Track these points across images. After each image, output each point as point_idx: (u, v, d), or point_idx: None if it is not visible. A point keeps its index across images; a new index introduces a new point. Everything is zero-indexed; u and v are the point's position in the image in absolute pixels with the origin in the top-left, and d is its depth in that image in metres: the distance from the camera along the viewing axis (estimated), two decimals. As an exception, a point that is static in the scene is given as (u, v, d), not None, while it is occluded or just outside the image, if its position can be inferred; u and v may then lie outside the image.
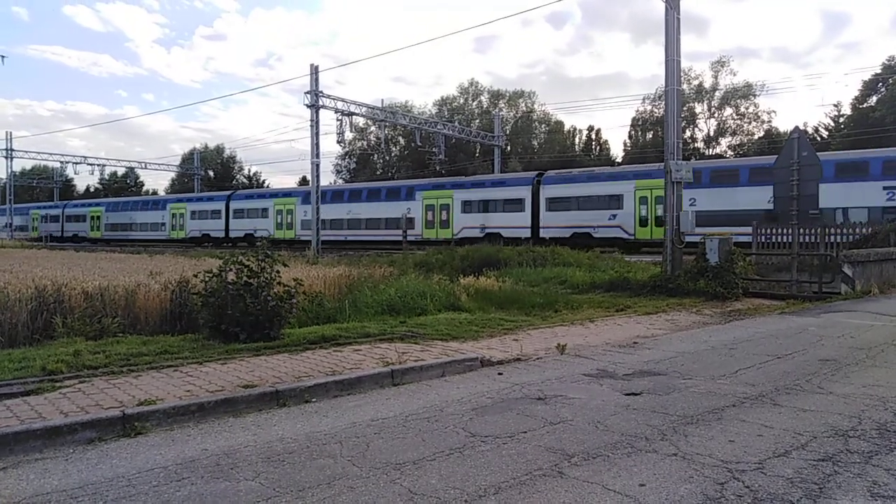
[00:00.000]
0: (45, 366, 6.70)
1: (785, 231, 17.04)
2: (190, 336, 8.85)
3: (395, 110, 51.85)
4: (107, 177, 73.57)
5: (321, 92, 35.15)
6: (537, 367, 7.77)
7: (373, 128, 69.12)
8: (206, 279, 8.74)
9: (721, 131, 63.22)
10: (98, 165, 64.37)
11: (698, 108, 63.22)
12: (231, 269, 8.81)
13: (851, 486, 3.99)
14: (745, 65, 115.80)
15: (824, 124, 59.61)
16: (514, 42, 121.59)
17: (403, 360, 7.54)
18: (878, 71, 53.89)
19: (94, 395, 5.85)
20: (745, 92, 60.83)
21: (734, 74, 63.24)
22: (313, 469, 4.38)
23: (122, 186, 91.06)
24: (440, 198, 37.85)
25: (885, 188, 25.21)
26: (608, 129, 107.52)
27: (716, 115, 63.28)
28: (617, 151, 70.93)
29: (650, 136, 63.99)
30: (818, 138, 54.83)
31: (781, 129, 58.16)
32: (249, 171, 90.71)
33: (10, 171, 64.58)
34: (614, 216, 31.06)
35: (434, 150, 48.02)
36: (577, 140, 74.83)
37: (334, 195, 43.52)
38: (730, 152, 60.56)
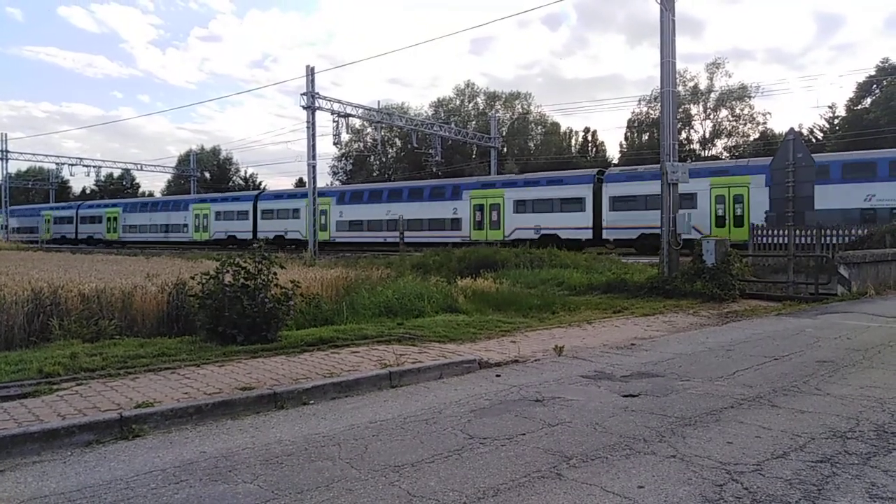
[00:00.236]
0: (41, 368, 6.68)
1: (781, 232, 17.09)
2: (187, 338, 8.84)
3: (392, 112, 51.89)
4: (102, 178, 73.07)
5: (317, 93, 35.19)
6: (535, 368, 7.77)
7: (369, 129, 68.99)
8: (203, 281, 8.73)
9: (717, 133, 63.41)
10: (94, 167, 64.23)
11: (694, 109, 63.44)
12: (228, 271, 8.80)
13: (850, 487, 4.00)
14: (741, 66, 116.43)
15: (819, 126, 59.87)
16: (510, 43, 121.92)
17: (401, 362, 7.54)
18: (873, 73, 54.13)
19: (91, 398, 5.84)
20: (741, 93, 61.06)
21: (729, 76, 63.64)
22: (312, 471, 4.37)
23: (118, 188, 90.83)
24: (490, 197, 35.88)
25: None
26: (604, 131, 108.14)
27: (711, 116, 63.50)
28: (613, 153, 71.13)
29: (646, 137, 64.11)
30: (813, 140, 55.00)
31: (777, 131, 58.42)
32: (246, 172, 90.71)
33: (5, 172, 64.60)
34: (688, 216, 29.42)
35: (431, 151, 48.06)
36: (573, 142, 74.99)
37: (372, 195, 41.32)
38: (725, 154, 60.73)
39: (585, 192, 32.70)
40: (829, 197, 23.74)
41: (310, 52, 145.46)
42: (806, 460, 4.46)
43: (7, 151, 62.36)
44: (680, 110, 55.25)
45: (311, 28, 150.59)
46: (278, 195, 49.19)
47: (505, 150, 62.13)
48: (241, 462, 4.57)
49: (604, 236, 31.30)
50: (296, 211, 44.05)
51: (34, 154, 67.55)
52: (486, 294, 14.00)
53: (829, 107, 59.54)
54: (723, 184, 28.73)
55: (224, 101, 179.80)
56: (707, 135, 63.81)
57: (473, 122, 67.47)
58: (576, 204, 32.57)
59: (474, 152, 66.87)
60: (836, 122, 58.11)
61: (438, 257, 22.09)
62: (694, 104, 63.01)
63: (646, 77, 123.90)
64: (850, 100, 56.76)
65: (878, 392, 6.38)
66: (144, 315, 10.17)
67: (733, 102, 61.81)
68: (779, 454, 4.59)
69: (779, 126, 65.30)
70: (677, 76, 17.45)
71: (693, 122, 63.62)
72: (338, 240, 40.09)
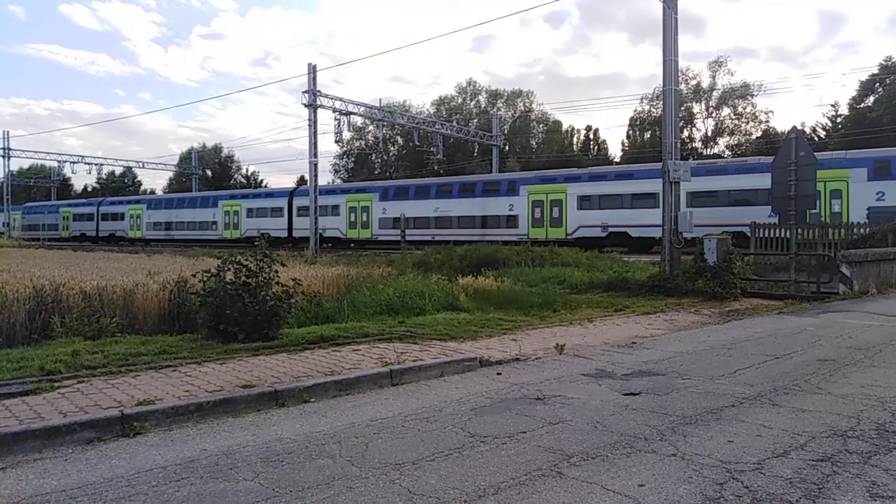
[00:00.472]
0: (43, 366, 6.70)
1: (783, 231, 17.05)
2: (188, 336, 8.85)
3: (394, 110, 51.85)
4: (104, 176, 73.31)
5: (319, 91, 35.15)
6: (536, 367, 7.77)
7: (371, 127, 69.22)
8: (205, 279, 8.74)
9: (719, 131, 63.38)
10: (95, 165, 64.32)
11: (696, 107, 63.42)
12: (229, 269, 8.80)
13: (850, 486, 4.00)
14: (743, 65, 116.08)
15: (822, 124, 59.78)
16: (512, 41, 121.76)
17: (402, 360, 7.54)
18: (876, 71, 54.01)
19: (92, 395, 5.85)
20: (743, 92, 60.98)
21: (732, 74, 63.57)
22: (312, 469, 4.38)
23: (120, 186, 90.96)
24: (551, 193, 33.39)
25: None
26: (606, 129, 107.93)
27: (714, 114, 63.49)
28: (615, 151, 71.11)
29: (648, 135, 64.09)
30: (816, 138, 54.90)
31: (779, 129, 58.40)
32: (247, 170, 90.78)
33: (7, 170, 64.69)
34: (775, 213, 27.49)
35: (432, 149, 47.99)
36: (575, 140, 74.98)
37: (418, 190, 39.07)
38: (727, 152, 60.68)
39: (660, 186, 30.99)
40: None
41: (311, 50, 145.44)
42: (806, 459, 4.46)
43: (9, 149, 62.46)
44: (682, 108, 55.18)
45: (312, 26, 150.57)
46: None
47: (507, 148, 62.14)
48: (242, 460, 4.58)
49: (682, 234, 30.28)
50: (335, 208, 42.00)
51: (36, 152, 67.39)
52: (487, 292, 14.00)
53: (832, 105, 59.53)
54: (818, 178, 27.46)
55: (226, 99, 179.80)
56: (709, 133, 63.84)
57: (475, 121, 67.50)
58: (648, 199, 29.76)
59: (476, 150, 66.89)
60: (838, 120, 58.01)
61: (440, 255, 22.08)
62: (696, 102, 62.99)
63: (648, 75, 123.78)
64: (853, 98, 56.70)
65: (879, 391, 6.38)
66: (146, 313, 10.18)
67: (735, 101, 61.77)
68: (779, 453, 4.59)
69: (781, 124, 65.30)
70: (679, 74, 17.42)
71: (695, 121, 63.62)
72: (381, 237, 38.02)
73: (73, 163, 62.96)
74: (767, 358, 8.13)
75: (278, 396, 6.13)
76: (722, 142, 63.36)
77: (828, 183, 25.95)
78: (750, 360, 7.96)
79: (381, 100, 47.07)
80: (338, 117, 38.13)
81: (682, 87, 56.89)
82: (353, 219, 41.20)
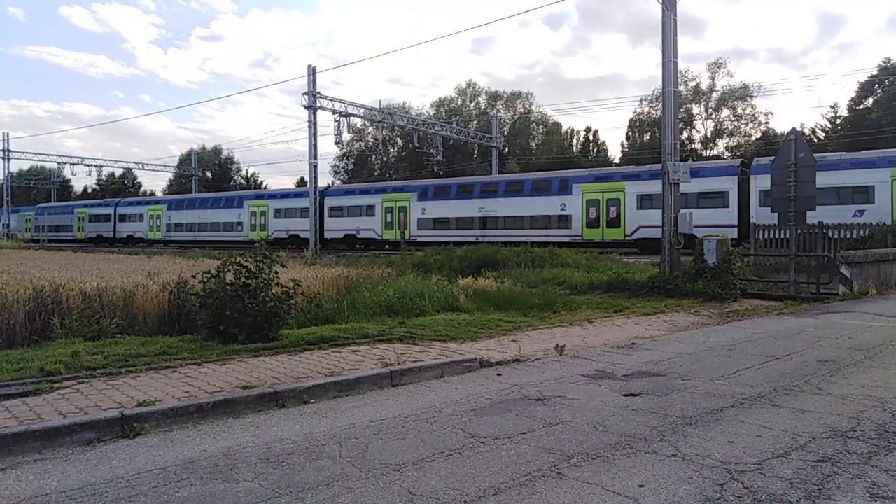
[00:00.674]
0: (43, 367, 6.69)
1: (783, 232, 17.08)
2: (188, 337, 8.85)
3: (393, 111, 51.87)
4: (104, 178, 73.08)
5: (319, 93, 35.21)
6: (536, 367, 7.77)
7: (370, 129, 69.18)
8: (205, 280, 8.74)
9: (718, 132, 63.39)
10: (95, 166, 64.32)
11: (695, 109, 63.42)
12: (229, 270, 8.81)
13: (850, 486, 4.00)
14: (742, 66, 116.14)
15: (821, 125, 59.78)
16: (512, 43, 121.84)
17: (402, 361, 7.54)
18: (875, 72, 54.04)
19: (92, 396, 5.84)
20: (742, 93, 61.01)
21: (731, 76, 63.70)
22: (312, 470, 4.38)
23: (120, 187, 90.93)
24: (607, 191, 31.78)
25: None
26: (606, 131, 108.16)
27: (713, 116, 63.49)
28: (614, 153, 71.10)
29: (647, 137, 64.09)
30: (815, 139, 54.93)
31: (779, 131, 58.39)
32: (247, 171, 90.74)
33: (7, 171, 64.76)
34: (862, 212, 24.80)
35: (432, 151, 48.03)
36: (574, 141, 74.98)
37: (461, 189, 37.37)
38: (727, 153, 60.69)
39: (729, 185, 28.95)
40: None
41: (311, 52, 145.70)
42: (807, 460, 4.46)
43: (9, 151, 62.56)
44: (681, 110, 55.19)
45: (312, 28, 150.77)
46: (348, 191, 45.29)
47: (506, 149, 62.14)
48: (242, 461, 4.58)
49: (753, 235, 29.35)
50: (370, 208, 40.44)
51: (36, 153, 67.64)
52: (487, 293, 14.00)
53: (831, 106, 59.51)
54: None
55: (225, 101, 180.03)
56: (709, 134, 63.85)
57: (475, 122, 67.47)
58: (716, 199, 28.93)
59: (475, 152, 66.90)
60: (838, 121, 58.03)
61: (439, 256, 22.10)
62: (695, 104, 63.00)
63: (647, 77, 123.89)
64: (852, 99, 56.72)
65: (879, 391, 6.38)
66: (146, 314, 10.18)
67: (735, 102, 61.79)
68: (779, 453, 4.59)
69: (780, 126, 65.28)
70: (679, 76, 17.45)
71: (695, 122, 63.63)
72: (419, 239, 36.16)
73: (73, 164, 62.99)
74: (767, 359, 8.13)
75: (278, 397, 6.13)
76: (721, 143, 63.41)
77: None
78: (750, 361, 7.96)
79: (380, 101, 47.17)
80: (337, 119, 38.19)
81: (682, 88, 56.95)
82: (389, 219, 39.50)
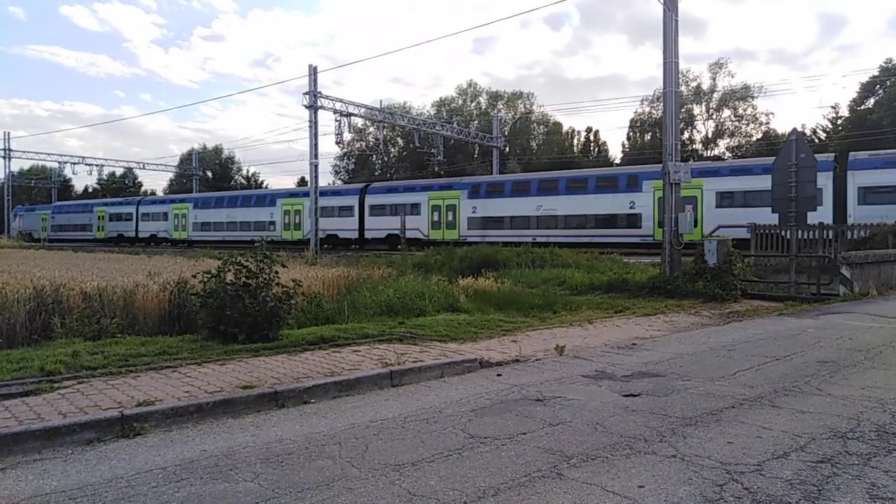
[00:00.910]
0: (43, 366, 6.70)
1: (783, 232, 17.08)
2: (188, 337, 8.85)
3: (394, 111, 51.87)
4: (105, 177, 73.05)
5: (320, 93, 35.21)
6: (536, 368, 7.77)
7: (371, 129, 69.21)
8: (205, 280, 8.74)
9: (719, 133, 63.36)
10: (96, 166, 64.29)
11: (696, 109, 63.38)
12: (230, 270, 8.81)
13: (850, 487, 3.99)
14: (743, 66, 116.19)
15: (822, 126, 59.71)
16: (513, 43, 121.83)
17: (402, 362, 7.54)
18: (876, 73, 54.01)
19: (92, 396, 5.85)
20: (743, 94, 60.98)
21: (732, 76, 63.40)
22: (312, 470, 4.38)
23: (121, 187, 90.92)
24: (683, 188, 30.94)
25: None
26: (606, 131, 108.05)
27: (714, 116, 63.45)
28: (615, 153, 71.11)
29: (648, 137, 64.08)
30: (816, 140, 54.88)
31: (780, 131, 58.35)
32: (248, 171, 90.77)
33: (8, 171, 64.80)
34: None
35: (433, 150, 48.02)
36: (575, 141, 74.95)
37: (516, 186, 35.56)
38: (728, 154, 60.69)
39: (823, 181, 25.92)
40: None
41: (312, 52, 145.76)
42: (806, 460, 4.46)
43: (10, 150, 62.65)
44: (682, 110, 55.23)
45: (313, 27, 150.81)
46: (391, 188, 42.94)
47: (507, 149, 62.13)
48: (242, 461, 4.58)
49: (847, 235, 27.52)
50: (415, 206, 38.42)
51: (37, 153, 67.40)
52: (487, 293, 14.00)
53: (832, 107, 59.41)
54: None
55: (226, 101, 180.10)
56: (710, 135, 63.81)
57: (476, 122, 67.51)
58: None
59: (476, 152, 66.90)
60: (839, 122, 57.98)
61: (440, 256, 22.11)
62: (696, 104, 62.97)
63: (648, 77, 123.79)
64: (854, 100, 56.66)
65: (879, 392, 6.38)
66: (146, 313, 10.19)
67: (736, 102, 61.75)
68: (779, 454, 4.59)
69: (781, 126, 65.15)
70: (680, 76, 17.43)
71: (696, 122, 63.59)
72: (470, 239, 33.54)
73: (74, 164, 62.96)
74: (767, 359, 8.13)
75: (278, 397, 6.13)
76: (722, 143, 63.41)
77: None
78: (750, 362, 7.96)
79: (381, 101, 47.24)
80: (338, 118, 38.18)
81: (683, 88, 56.94)
82: (436, 218, 37.62)
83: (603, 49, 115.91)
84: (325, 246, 39.77)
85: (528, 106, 74.79)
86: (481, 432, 5.17)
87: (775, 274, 17.50)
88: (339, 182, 75.26)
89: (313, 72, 34.78)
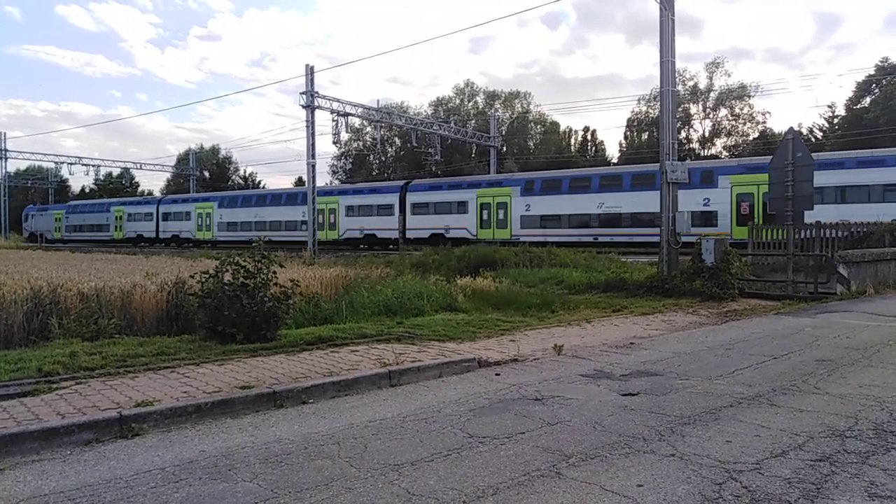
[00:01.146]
0: (41, 367, 6.68)
1: (780, 231, 17.11)
2: (187, 337, 8.84)
3: (391, 111, 51.86)
4: (101, 177, 72.61)
5: (317, 92, 35.16)
6: (534, 367, 7.77)
7: (368, 128, 68.96)
8: (203, 280, 8.74)
9: (716, 132, 63.43)
10: (93, 166, 63.80)
11: (693, 108, 63.45)
12: (227, 270, 8.80)
13: (849, 486, 4.00)
14: (740, 66, 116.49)
15: (818, 125, 59.88)
16: (510, 43, 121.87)
17: (401, 361, 7.54)
18: (872, 72, 54.14)
19: (90, 397, 5.84)
20: (740, 93, 61.06)
21: (729, 75, 63.62)
22: (311, 470, 4.37)
23: (118, 187, 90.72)
24: (765, 184, 27.40)
25: None
26: (604, 130, 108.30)
27: (711, 115, 63.51)
28: (612, 152, 71.21)
29: (645, 136, 64.16)
30: (812, 139, 55.01)
31: (776, 130, 58.46)
32: (245, 171, 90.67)
33: (4, 171, 64.47)
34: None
35: (430, 150, 47.98)
36: (572, 141, 75.02)
37: (574, 183, 33.33)
38: (725, 153, 60.77)
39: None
40: None
41: (309, 51, 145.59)
42: (805, 459, 4.47)
43: (6, 150, 62.40)
44: (679, 109, 55.26)
45: (310, 27, 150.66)
46: (435, 185, 40.93)
47: (504, 149, 62.13)
48: (241, 461, 4.57)
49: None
50: (461, 204, 36.62)
51: (33, 153, 66.95)
52: (485, 293, 14.01)
53: (829, 106, 59.62)
54: None
55: (223, 101, 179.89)
56: (706, 134, 63.89)
57: (473, 122, 67.45)
58: None
59: (473, 151, 66.88)
60: (835, 121, 58.13)
61: (438, 256, 22.11)
62: (693, 103, 63.04)
63: (645, 76, 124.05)
64: (850, 99, 56.83)
65: (876, 391, 6.39)
66: (144, 314, 10.18)
67: (732, 102, 61.84)
68: (778, 453, 4.60)
69: (778, 125, 65.49)
70: (677, 75, 17.46)
71: (692, 122, 63.66)
72: (523, 239, 31.64)
73: (71, 164, 62.55)
74: (765, 358, 8.15)
75: (277, 397, 6.12)
76: (719, 143, 63.47)
77: None
78: (748, 361, 7.97)
79: (378, 101, 47.10)
80: (335, 118, 38.12)
81: (680, 88, 56.97)
82: (485, 217, 35.81)
83: (600, 48, 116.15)
84: (362, 246, 38.71)
85: (525, 105, 74.84)
86: (480, 432, 5.17)
87: (773, 273, 17.52)
88: (336, 182, 75.20)
89: (310, 71, 34.74)
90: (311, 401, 6.22)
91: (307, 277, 13.14)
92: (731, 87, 61.33)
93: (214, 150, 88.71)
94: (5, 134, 63.44)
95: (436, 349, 8.48)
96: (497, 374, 7.39)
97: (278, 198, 47.21)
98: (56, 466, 4.54)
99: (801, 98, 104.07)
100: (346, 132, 40.99)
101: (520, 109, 74.50)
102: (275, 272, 9.03)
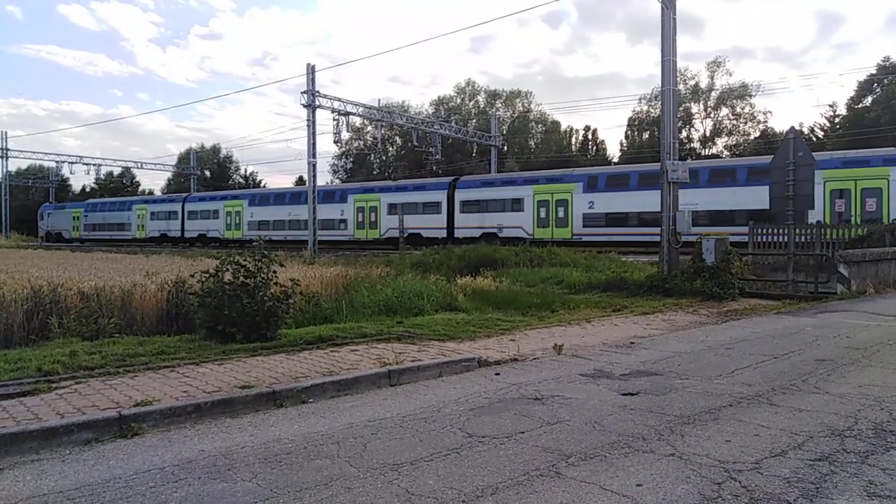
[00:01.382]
0: (41, 366, 6.68)
1: (781, 231, 17.12)
2: (186, 336, 8.85)
3: (392, 110, 51.80)
4: (102, 177, 72.58)
5: (317, 91, 35.14)
6: (534, 367, 7.77)
7: (369, 128, 69.11)
8: (203, 279, 8.74)
9: (717, 131, 63.46)
10: (94, 165, 63.64)
11: (694, 108, 63.48)
12: (228, 269, 8.80)
13: (848, 485, 4.00)
14: (741, 65, 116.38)
15: (820, 124, 59.81)
16: (511, 42, 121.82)
17: (400, 361, 7.54)
18: (874, 71, 54.09)
19: (90, 396, 5.84)
20: (741, 92, 61.07)
21: (730, 75, 63.72)
22: (311, 470, 4.37)
23: (119, 186, 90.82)
24: (862, 178, 25.28)
25: None
26: (605, 129, 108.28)
27: (712, 115, 63.56)
28: (613, 151, 71.19)
29: (646, 136, 64.15)
30: (814, 139, 54.96)
31: (777, 130, 58.49)
32: (246, 170, 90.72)
33: (5, 170, 64.44)
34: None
35: (431, 149, 47.96)
36: (573, 140, 75.02)
37: (644, 178, 30.09)
38: (726, 152, 60.77)
39: None
40: None
41: (310, 51, 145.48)
42: (804, 458, 4.47)
43: (7, 149, 62.39)
44: (680, 109, 55.25)
45: (311, 26, 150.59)
46: (487, 182, 38.54)
47: (505, 148, 62.15)
48: (240, 460, 4.57)
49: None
50: (516, 202, 34.58)
51: (34, 152, 66.55)
52: (485, 292, 14.01)
53: (830, 105, 59.54)
54: None
55: (224, 100, 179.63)
56: (707, 133, 63.92)
57: (474, 121, 67.44)
58: None
59: (474, 150, 66.90)
60: (836, 120, 58.07)
61: (438, 255, 22.11)
62: (694, 103, 63.06)
63: (646, 75, 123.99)
64: (851, 98, 56.76)
65: (876, 391, 6.39)
66: (144, 313, 10.19)
67: (734, 101, 61.87)
68: (777, 452, 4.60)
69: (779, 125, 65.47)
70: (678, 75, 17.46)
71: (693, 121, 63.68)
72: (585, 238, 30.63)
73: (72, 163, 62.42)
74: (765, 358, 8.14)
75: (276, 397, 6.12)
76: (720, 142, 63.53)
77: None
78: (748, 360, 7.97)
79: (379, 100, 47.00)
80: (336, 118, 38.08)
81: (681, 87, 56.99)
82: (543, 215, 33.79)
83: (601, 47, 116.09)
84: (407, 246, 36.91)
85: (526, 105, 74.86)
86: (480, 431, 5.17)
87: (773, 272, 17.52)
88: (336, 181, 75.19)
89: (311, 71, 34.73)
90: (310, 400, 6.22)
91: (307, 277, 13.15)
92: (733, 87, 61.41)
93: (215, 150, 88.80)
94: (6, 133, 63.37)
95: (436, 349, 8.48)
96: (497, 374, 7.39)
97: (314, 196, 45.68)
98: (55, 466, 4.54)
99: (803, 97, 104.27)
100: (347, 131, 40.96)
101: (521, 109, 74.53)
102: (275, 271, 9.03)
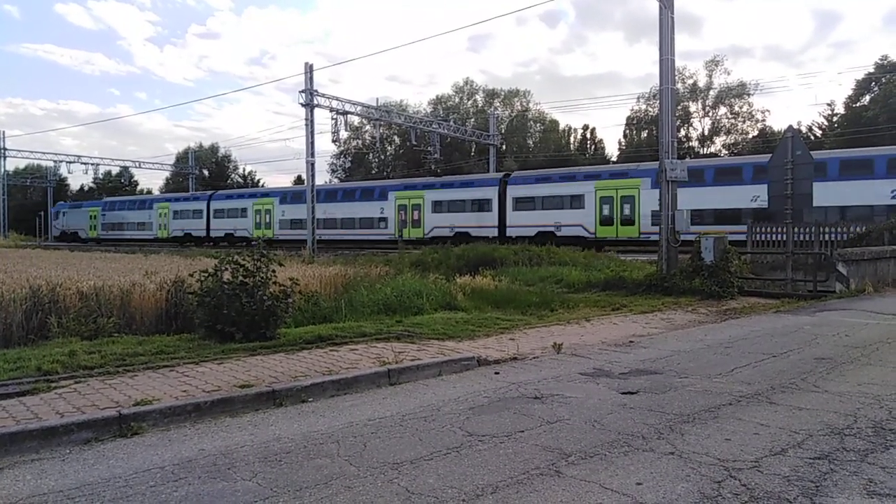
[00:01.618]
0: (40, 366, 6.68)
1: (780, 229, 17.13)
2: (186, 336, 8.84)
3: (390, 109, 51.81)
4: (101, 176, 72.48)
5: (316, 91, 35.12)
6: (534, 366, 7.77)
7: (368, 127, 69.04)
8: (202, 279, 8.73)
9: (715, 130, 63.55)
10: (92, 164, 63.70)
11: (693, 107, 63.56)
12: (227, 269, 8.80)
13: (847, 483, 4.01)
14: (739, 64, 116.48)
15: (818, 123, 59.97)
16: (509, 41, 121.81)
17: (400, 360, 7.54)
18: (871, 70, 54.18)
19: (89, 396, 5.83)
20: (739, 91, 61.18)
21: (728, 73, 63.95)
22: (310, 469, 4.37)
23: (117, 186, 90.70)
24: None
25: None
26: (603, 128, 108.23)
27: (710, 114, 63.67)
28: (612, 150, 71.25)
29: (645, 134, 64.27)
30: (812, 137, 55.07)
31: (776, 128, 58.58)
32: (244, 170, 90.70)
33: (3, 170, 64.28)
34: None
35: (429, 149, 47.98)
36: (572, 139, 75.11)
37: (721, 173, 28.65)
38: (724, 151, 60.82)
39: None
40: None
41: (308, 50, 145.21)
42: (804, 457, 4.47)
43: (5, 149, 62.29)
44: (679, 108, 55.29)
45: (309, 25, 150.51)
46: (542, 177, 36.10)
47: (504, 147, 62.17)
48: (240, 460, 4.57)
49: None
50: (576, 198, 32.56)
51: (32, 152, 66.43)
52: (484, 292, 14.00)
53: (828, 104, 59.69)
54: None
55: (222, 99, 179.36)
56: (706, 132, 64.01)
57: (472, 120, 67.49)
58: None
59: (473, 150, 66.91)
60: (834, 119, 58.19)
61: (437, 254, 22.09)
62: (693, 101, 63.14)
63: (644, 74, 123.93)
64: (849, 97, 56.90)
65: (875, 389, 6.40)
66: (143, 313, 10.17)
67: (732, 100, 61.97)
68: (777, 451, 4.60)
69: (777, 123, 65.47)
70: (676, 73, 17.45)
71: (692, 120, 63.78)
72: (654, 237, 29.63)
73: (70, 163, 62.49)
74: (765, 356, 8.15)
75: (276, 396, 6.12)
76: (718, 141, 63.62)
77: None
78: (747, 359, 7.97)
79: (377, 99, 47.05)
80: (334, 117, 38.10)
81: (679, 86, 56.96)
82: (606, 213, 31.82)
83: (599, 46, 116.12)
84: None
85: (524, 104, 74.93)
86: (479, 430, 5.17)
87: (772, 271, 17.54)
88: (335, 180, 75.15)
89: (309, 70, 34.71)
90: (310, 399, 6.22)
91: (306, 276, 13.13)
92: (731, 85, 61.51)
93: (213, 149, 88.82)
94: (4, 133, 63.20)
95: (435, 348, 8.48)
96: (496, 373, 7.39)
97: (352, 192, 43.34)
98: (55, 465, 4.54)
99: (801, 96, 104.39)
100: (346, 130, 40.88)
101: (519, 108, 74.57)
102: (274, 271, 9.03)
